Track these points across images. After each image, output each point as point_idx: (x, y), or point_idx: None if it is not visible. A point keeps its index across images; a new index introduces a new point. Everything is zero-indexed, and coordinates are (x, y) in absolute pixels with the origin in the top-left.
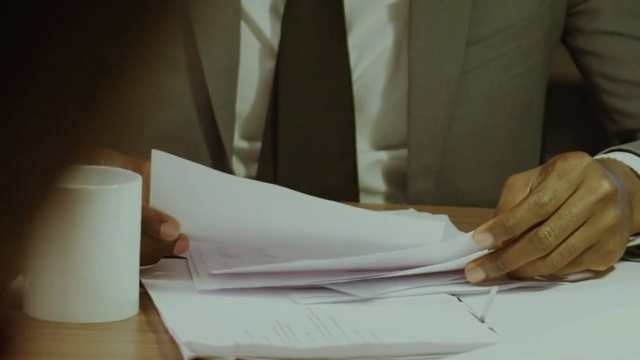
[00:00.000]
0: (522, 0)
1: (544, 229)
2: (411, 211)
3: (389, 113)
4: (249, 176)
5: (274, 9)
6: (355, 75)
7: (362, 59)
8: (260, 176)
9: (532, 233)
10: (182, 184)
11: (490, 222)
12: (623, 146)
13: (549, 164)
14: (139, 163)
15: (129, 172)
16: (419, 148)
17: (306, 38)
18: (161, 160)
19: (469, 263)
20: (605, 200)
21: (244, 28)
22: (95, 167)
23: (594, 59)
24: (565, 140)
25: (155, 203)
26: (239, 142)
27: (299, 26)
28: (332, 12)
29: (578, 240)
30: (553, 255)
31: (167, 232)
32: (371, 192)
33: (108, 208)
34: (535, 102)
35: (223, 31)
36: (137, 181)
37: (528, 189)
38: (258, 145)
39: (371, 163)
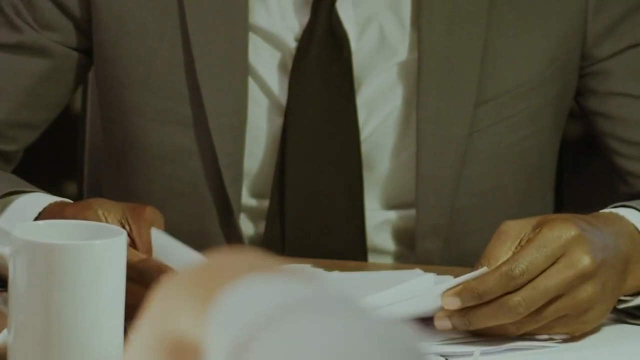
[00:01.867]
0: (531, 61)
1: (515, 298)
2: (417, 271)
3: (398, 172)
4: (257, 234)
5: (282, 66)
6: (364, 134)
7: (371, 117)
8: (268, 234)
9: (503, 299)
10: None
11: (460, 287)
12: (627, 202)
13: (541, 222)
14: (138, 209)
15: (115, 227)
16: (427, 208)
17: (314, 95)
18: (160, 240)
19: (439, 312)
20: (584, 277)
21: (252, 84)
22: (82, 222)
23: (606, 121)
24: (587, 196)
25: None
26: (248, 200)
27: (307, 83)
28: (340, 69)
29: (550, 311)
30: (522, 320)
31: None
32: (379, 251)
33: (91, 264)
34: (545, 163)
35: (230, 88)
36: (122, 237)
37: (518, 241)
38: (266, 203)
39: (380, 222)
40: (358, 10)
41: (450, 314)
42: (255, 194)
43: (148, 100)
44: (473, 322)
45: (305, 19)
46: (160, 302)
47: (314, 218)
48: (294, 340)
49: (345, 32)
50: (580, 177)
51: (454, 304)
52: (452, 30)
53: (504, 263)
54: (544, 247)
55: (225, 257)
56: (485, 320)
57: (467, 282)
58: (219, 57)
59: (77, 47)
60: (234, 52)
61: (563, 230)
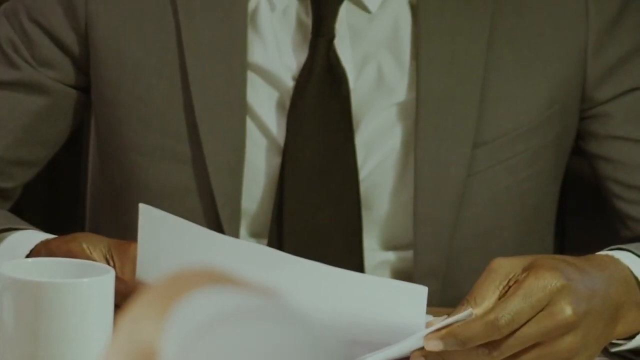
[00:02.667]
0: (529, 103)
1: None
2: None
3: (397, 213)
4: None
5: (280, 105)
6: (362, 174)
7: (370, 157)
8: None
9: None
10: (170, 240)
11: (443, 332)
12: (624, 245)
13: (531, 265)
14: (124, 245)
15: (103, 265)
16: (425, 250)
17: (312, 134)
18: (148, 215)
19: (415, 351)
20: (565, 328)
21: (250, 124)
22: (70, 260)
23: (607, 164)
24: (590, 238)
25: (142, 259)
26: (246, 239)
27: (305, 122)
28: (339, 108)
29: (528, 358)
30: None
31: None
32: None
33: (78, 302)
34: (544, 205)
35: (228, 126)
36: (109, 275)
37: (507, 281)
38: (265, 242)
39: (378, 263)
40: (356, 48)
41: (426, 354)
42: (253, 233)
43: (146, 138)
44: None
45: (303, 57)
46: (129, 315)
47: (312, 257)
48: (230, 345)
49: (344, 70)
50: (583, 219)
51: (437, 346)
52: (450, 72)
53: (491, 311)
54: (529, 297)
55: (189, 271)
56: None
57: (452, 327)
58: (217, 95)
59: (75, 85)
60: (232, 90)
61: (548, 279)
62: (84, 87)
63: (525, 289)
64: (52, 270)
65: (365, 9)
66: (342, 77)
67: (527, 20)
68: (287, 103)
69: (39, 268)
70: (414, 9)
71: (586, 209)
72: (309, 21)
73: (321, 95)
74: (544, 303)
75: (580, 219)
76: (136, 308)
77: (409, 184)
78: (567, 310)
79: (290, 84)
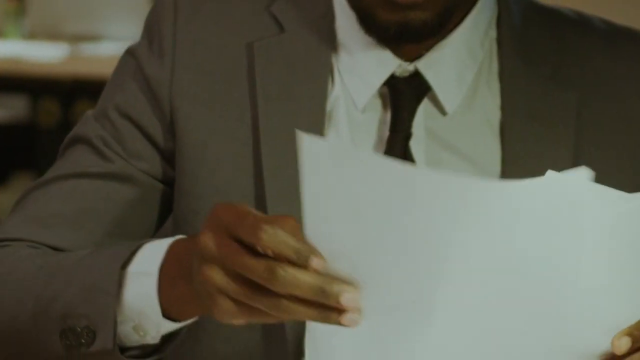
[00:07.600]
0: None
1: None
2: None
3: None
4: None
5: None
6: None
7: None
8: None
9: None
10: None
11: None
12: None
13: None
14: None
15: None
16: None
17: None
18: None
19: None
20: None
21: None
22: None
23: None
24: None
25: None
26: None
27: None
28: None
29: None
30: None
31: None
32: None
33: None
34: None
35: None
36: None
37: None
38: None
39: None
40: (431, 151)
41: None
42: None
43: None
44: None
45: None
46: None
47: None
48: None
49: None
50: None
51: (626, 344)
52: None
53: None
54: None
55: None
56: None
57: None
58: (292, 191)
59: (162, 179)
60: None
61: None
62: (170, 182)
63: None
64: None
65: (442, 110)
66: None
67: (611, 143)
68: None
69: None
70: (503, 128)
71: None
72: (387, 119)
73: None
74: None
75: None
76: None
77: None
78: None
79: None
